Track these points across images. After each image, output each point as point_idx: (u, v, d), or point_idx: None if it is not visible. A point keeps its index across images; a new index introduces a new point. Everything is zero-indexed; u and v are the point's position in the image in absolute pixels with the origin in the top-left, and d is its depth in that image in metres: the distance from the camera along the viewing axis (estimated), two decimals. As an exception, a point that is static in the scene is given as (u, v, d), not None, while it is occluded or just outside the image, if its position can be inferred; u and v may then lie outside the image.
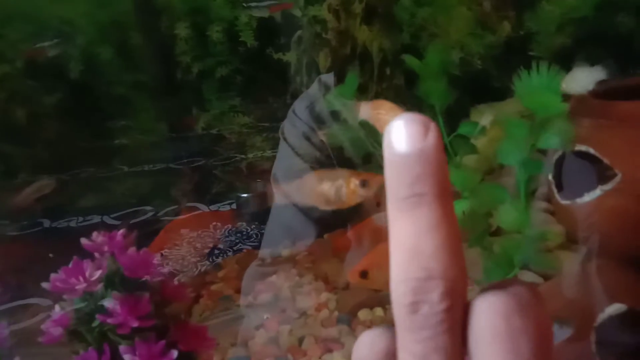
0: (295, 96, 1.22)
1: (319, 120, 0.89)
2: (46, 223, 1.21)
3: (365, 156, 0.66)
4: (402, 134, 0.20)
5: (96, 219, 1.19)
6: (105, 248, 0.45)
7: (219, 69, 1.19)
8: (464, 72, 1.17)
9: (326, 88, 0.98)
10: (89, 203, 1.23)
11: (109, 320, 0.41)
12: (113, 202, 1.22)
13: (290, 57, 1.23)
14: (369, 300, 0.80)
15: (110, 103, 1.15)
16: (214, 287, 1.03)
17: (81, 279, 0.42)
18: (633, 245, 0.55)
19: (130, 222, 1.19)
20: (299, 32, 1.23)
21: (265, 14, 1.14)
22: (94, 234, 0.45)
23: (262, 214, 1.08)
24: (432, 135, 0.20)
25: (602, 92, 0.50)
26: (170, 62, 1.18)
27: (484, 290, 0.20)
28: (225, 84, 1.20)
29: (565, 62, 1.21)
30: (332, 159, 0.86)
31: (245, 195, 1.19)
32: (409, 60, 0.62)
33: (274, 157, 1.27)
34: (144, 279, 0.46)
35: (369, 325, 0.76)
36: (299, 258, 0.98)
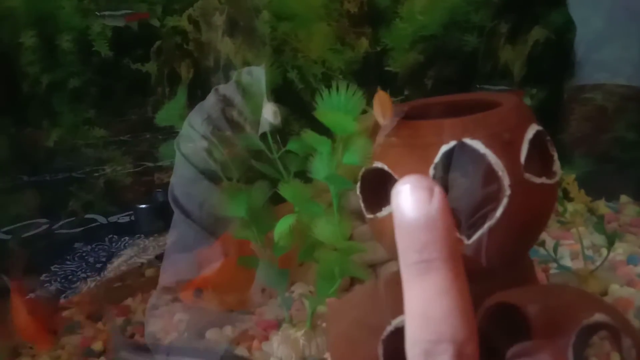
0: (156, 108, 1.18)
1: (217, 133, 0.86)
2: None
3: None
4: (408, 200, 0.21)
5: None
6: None
7: (71, 80, 1.12)
8: (327, 86, 1.20)
9: (225, 99, 0.96)
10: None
11: None
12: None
13: (150, 67, 1.19)
14: (219, 320, 0.79)
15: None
16: (66, 313, 0.98)
17: None
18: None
19: (23, 236, 1.08)
20: (158, 43, 1.20)
21: (121, 23, 1.09)
22: None
23: (161, 226, 1.03)
24: (437, 200, 0.20)
25: (408, 112, 0.53)
26: (15, 73, 1.09)
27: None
28: (78, 96, 1.13)
29: (419, 77, 1.30)
30: (232, 171, 0.84)
31: (143, 206, 1.14)
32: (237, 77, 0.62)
33: (136, 171, 1.23)
34: None
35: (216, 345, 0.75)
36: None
